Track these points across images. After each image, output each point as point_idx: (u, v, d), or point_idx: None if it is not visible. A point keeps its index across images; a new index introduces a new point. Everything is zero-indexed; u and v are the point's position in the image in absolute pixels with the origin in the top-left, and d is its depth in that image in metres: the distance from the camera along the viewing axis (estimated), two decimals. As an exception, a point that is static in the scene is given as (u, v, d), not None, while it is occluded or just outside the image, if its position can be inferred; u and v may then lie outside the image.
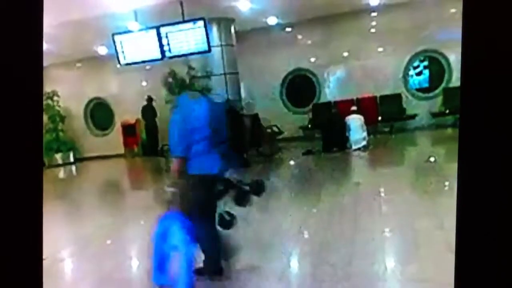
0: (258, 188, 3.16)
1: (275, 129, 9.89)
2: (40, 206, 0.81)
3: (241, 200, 3.05)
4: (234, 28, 9.28)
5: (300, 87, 11.39)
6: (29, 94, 0.78)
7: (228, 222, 2.99)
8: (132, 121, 11.81)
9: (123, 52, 8.30)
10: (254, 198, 3.22)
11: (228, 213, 3.06)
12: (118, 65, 8.49)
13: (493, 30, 0.73)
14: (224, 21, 8.99)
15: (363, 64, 10.60)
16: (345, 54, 10.75)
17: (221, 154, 2.84)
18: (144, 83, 12.02)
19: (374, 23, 10.41)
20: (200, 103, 2.92)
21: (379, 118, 10.24)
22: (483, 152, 0.77)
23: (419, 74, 11.46)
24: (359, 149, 8.49)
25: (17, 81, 0.77)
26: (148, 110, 11.48)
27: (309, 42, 10.88)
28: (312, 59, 11.03)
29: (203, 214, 2.84)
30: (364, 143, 8.59)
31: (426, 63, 11.32)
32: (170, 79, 8.49)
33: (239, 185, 3.03)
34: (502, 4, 0.73)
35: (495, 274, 0.79)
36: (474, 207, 0.79)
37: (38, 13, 0.78)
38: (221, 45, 8.96)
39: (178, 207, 2.70)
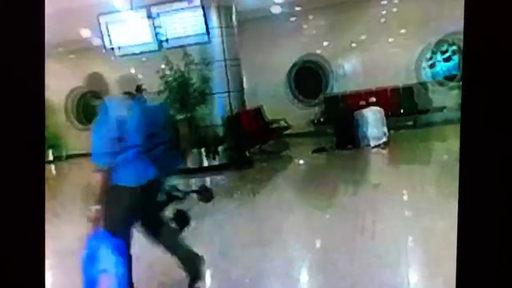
0: (207, 195, 3.22)
1: (281, 123, 9.84)
2: (42, 202, 0.92)
3: (181, 221, 2.98)
4: (236, 11, 9.22)
5: (309, 77, 11.32)
6: (30, 90, 0.87)
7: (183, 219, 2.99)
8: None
9: (109, 35, 8.25)
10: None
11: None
12: (105, 50, 8.45)
13: (495, 28, 0.81)
14: (224, 7, 8.95)
15: (381, 51, 10.49)
16: (362, 37, 10.68)
17: (154, 159, 2.76)
18: (133, 70, 11.99)
19: (388, 6, 10.31)
20: (131, 107, 2.83)
21: (401, 110, 10.14)
22: (485, 152, 0.84)
23: (447, 60, 11.27)
24: (378, 146, 8.44)
25: (18, 77, 0.86)
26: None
27: (316, 31, 10.87)
28: (323, 46, 10.98)
29: (124, 229, 2.74)
30: (384, 139, 8.51)
31: (455, 47, 11.11)
32: (164, 66, 8.49)
33: (177, 194, 2.93)
34: (503, 3, 0.80)
35: (496, 273, 0.86)
36: (476, 207, 0.86)
37: (39, 10, 0.87)
38: (221, 27, 8.90)
39: (104, 225, 2.65)
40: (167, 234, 2.97)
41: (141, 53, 8.65)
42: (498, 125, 0.83)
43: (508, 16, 0.80)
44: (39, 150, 0.92)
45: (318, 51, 11.05)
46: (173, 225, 3.01)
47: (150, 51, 8.45)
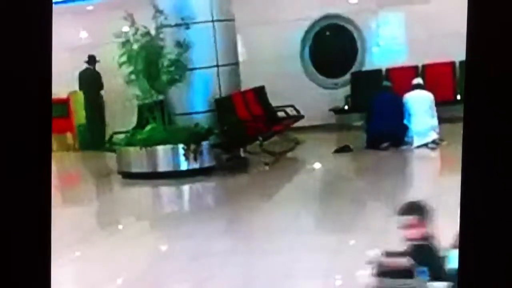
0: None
1: (291, 111, 9.82)
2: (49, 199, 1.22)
3: None
4: None
5: (332, 46, 11.29)
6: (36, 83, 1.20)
7: None
8: (63, 94, 11.78)
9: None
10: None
11: None
12: None
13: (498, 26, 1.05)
14: None
15: (435, 8, 10.44)
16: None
17: None
18: (82, 34, 11.96)
19: None
20: None
21: (458, 97, 10.13)
22: (488, 155, 1.08)
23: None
24: (425, 145, 8.42)
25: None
26: (89, 78, 11.44)
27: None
28: (351, 2, 10.94)
29: None
30: (433, 135, 8.51)
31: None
32: (127, 28, 8.45)
33: None
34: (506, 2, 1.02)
35: (497, 274, 1.11)
36: (478, 207, 1.11)
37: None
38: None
39: None
40: None
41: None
42: (502, 126, 1.05)
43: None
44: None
45: (345, 9, 10.99)
46: None
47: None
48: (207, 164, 8.21)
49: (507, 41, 1.04)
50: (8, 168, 1.15)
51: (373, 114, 8.93)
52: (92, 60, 11.40)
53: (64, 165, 10.97)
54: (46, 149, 1.22)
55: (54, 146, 11.89)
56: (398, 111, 8.67)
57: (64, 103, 11.86)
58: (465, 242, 1.15)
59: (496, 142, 1.06)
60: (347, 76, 11.01)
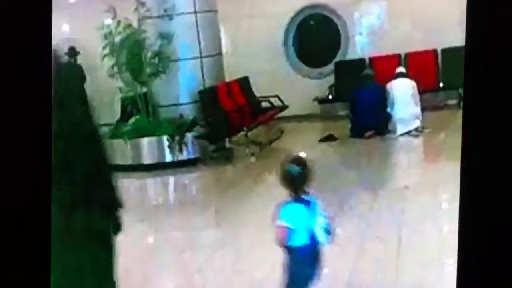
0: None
1: (275, 101, 9.83)
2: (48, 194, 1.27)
3: None
4: None
5: (315, 36, 11.32)
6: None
7: None
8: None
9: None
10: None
11: None
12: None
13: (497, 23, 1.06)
14: None
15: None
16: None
17: None
18: (64, 27, 11.83)
19: None
20: None
21: (441, 84, 10.20)
22: (487, 153, 1.10)
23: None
24: (408, 132, 8.50)
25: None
26: (71, 71, 11.33)
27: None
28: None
29: None
30: (416, 123, 8.59)
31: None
32: (109, 20, 8.39)
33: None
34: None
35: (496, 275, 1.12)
36: (478, 207, 1.11)
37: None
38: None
39: None
40: None
41: None
42: (500, 124, 1.06)
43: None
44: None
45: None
46: None
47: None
48: (192, 155, 8.22)
49: (505, 30, 1.04)
50: (7, 168, 1.18)
51: (357, 103, 8.98)
52: (72, 52, 11.29)
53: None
54: (46, 148, 1.25)
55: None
56: (381, 100, 8.74)
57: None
58: (465, 241, 1.15)
59: (496, 133, 1.07)
60: (331, 66, 11.04)
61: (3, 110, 1.16)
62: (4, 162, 1.17)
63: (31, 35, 1.16)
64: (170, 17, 8.56)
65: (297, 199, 3.00)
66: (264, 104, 9.84)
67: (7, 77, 1.15)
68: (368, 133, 8.62)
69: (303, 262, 2.99)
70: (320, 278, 3.06)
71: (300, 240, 2.97)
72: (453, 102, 10.35)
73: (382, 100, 8.72)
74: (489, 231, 1.10)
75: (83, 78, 11.37)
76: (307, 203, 3.00)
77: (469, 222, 1.12)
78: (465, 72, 1.08)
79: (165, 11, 8.55)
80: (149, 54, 8.45)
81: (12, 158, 1.18)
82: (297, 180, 2.99)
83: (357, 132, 8.74)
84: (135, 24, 8.52)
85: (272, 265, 4.31)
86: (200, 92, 8.75)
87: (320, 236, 2.99)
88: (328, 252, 3.17)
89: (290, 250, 3.00)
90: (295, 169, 3.00)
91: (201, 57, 8.89)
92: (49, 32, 1.21)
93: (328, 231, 3.01)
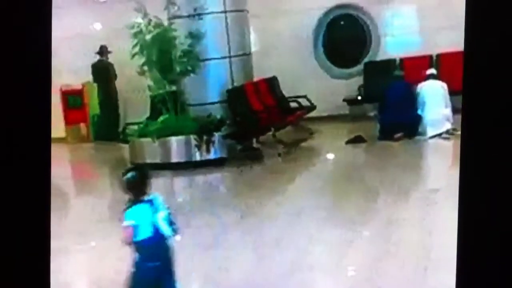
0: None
1: (303, 101, 9.80)
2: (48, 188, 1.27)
3: None
4: None
5: (345, 36, 11.26)
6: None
7: None
8: (78, 86, 11.86)
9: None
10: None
11: None
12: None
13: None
14: None
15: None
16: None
17: None
18: (96, 26, 11.98)
19: None
20: None
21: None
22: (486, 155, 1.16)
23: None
24: (439, 135, 8.40)
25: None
26: (102, 69, 11.49)
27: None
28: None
29: None
30: (447, 125, 8.46)
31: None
32: (140, 19, 8.45)
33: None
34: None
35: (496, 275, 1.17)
36: (477, 208, 1.21)
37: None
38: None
39: None
40: None
41: None
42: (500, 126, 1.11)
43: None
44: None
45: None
46: None
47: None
48: (219, 155, 8.23)
49: (506, 34, 1.06)
50: (8, 168, 1.19)
51: (386, 104, 8.92)
52: (104, 51, 11.44)
53: (77, 156, 11.07)
54: (45, 146, 1.27)
55: (68, 137, 12.02)
56: (411, 101, 8.67)
57: (78, 94, 11.95)
58: (465, 239, 1.18)
59: (496, 135, 1.09)
60: (360, 66, 10.98)
61: (3, 110, 1.18)
62: (4, 162, 1.17)
63: (31, 35, 1.17)
64: (200, 17, 8.60)
65: (139, 200, 3.25)
66: (292, 104, 9.83)
67: (7, 77, 1.17)
68: (397, 135, 8.53)
69: (148, 254, 3.24)
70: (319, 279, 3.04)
71: (144, 233, 3.20)
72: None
73: (412, 100, 8.65)
74: (489, 230, 1.16)
75: (114, 76, 11.54)
76: (149, 202, 3.26)
77: (469, 222, 1.20)
78: (465, 73, 1.14)
79: (195, 10, 8.60)
80: (178, 53, 8.50)
81: (12, 158, 1.18)
82: (137, 184, 3.27)
83: (386, 133, 8.66)
84: (165, 23, 8.57)
85: (298, 264, 4.33)
86: (228, 92, 8.77)
87: (163, 227, 3.23)
88: (354, 253, 3.15)
89: (137, 246, 3.23)
90: (134, 175, 3.31)
91: (230, 57, 8.91)
92: (49, 32, 1.21)
93: (171, 222, 3.29)
